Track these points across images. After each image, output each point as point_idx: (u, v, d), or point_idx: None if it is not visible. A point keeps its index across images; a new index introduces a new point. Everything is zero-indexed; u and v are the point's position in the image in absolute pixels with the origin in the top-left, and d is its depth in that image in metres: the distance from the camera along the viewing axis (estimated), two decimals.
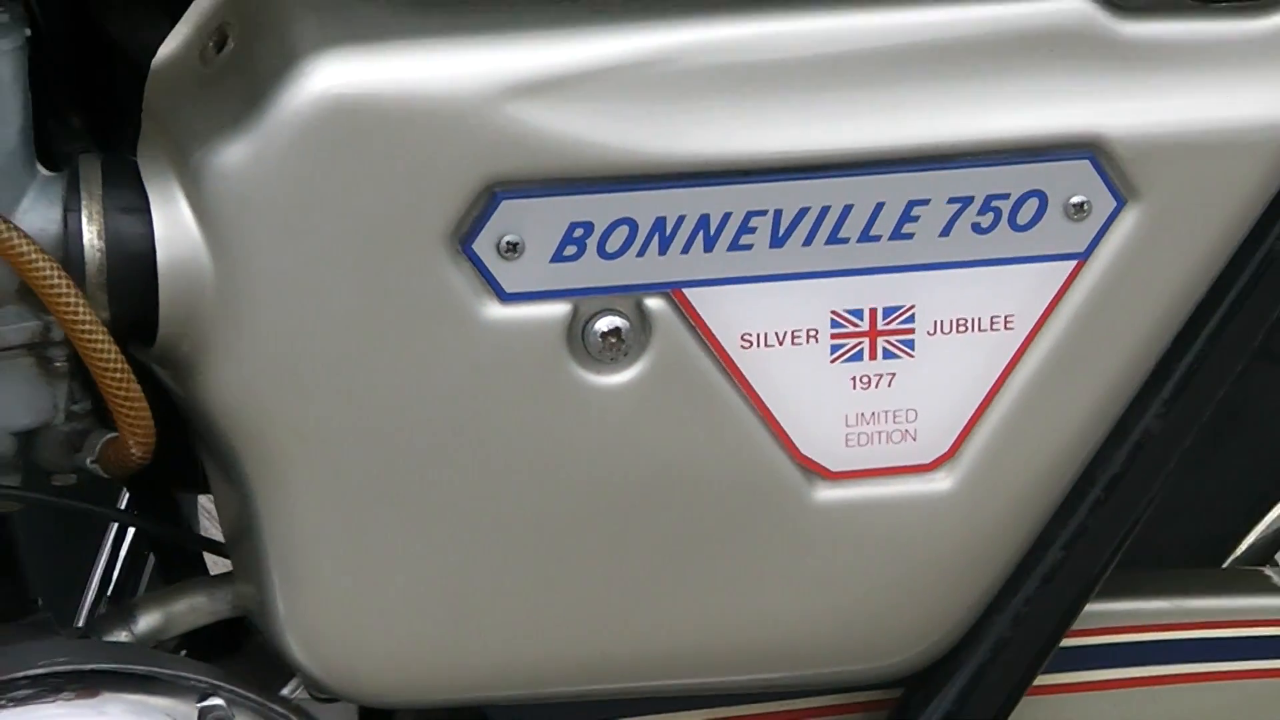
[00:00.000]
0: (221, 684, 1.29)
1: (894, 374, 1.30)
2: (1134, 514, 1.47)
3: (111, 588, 1.83)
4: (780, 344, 1.29)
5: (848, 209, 1.28)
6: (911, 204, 1.30)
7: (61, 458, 1.34)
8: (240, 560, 1.43)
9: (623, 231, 1.25)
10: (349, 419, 1.31)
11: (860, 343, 1.31)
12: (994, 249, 1.30)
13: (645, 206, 1.25)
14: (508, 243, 1.21)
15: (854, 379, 1.31)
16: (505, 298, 1.21)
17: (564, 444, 1.30)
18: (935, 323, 1.31)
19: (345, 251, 1.27)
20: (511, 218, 1.22)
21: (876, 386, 1.32)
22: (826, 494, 1.30)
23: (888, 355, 1.32)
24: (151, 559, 1.79)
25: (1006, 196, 1.30)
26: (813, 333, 1.28)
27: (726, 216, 1.24)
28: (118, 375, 1.24)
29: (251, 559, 1.37)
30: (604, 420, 1.28)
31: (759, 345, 1.28)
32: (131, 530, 1.81)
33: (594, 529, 1.29)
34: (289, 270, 1.25)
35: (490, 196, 1.21)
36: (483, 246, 1.21)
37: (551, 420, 1.29)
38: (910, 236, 1.29)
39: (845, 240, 1.27)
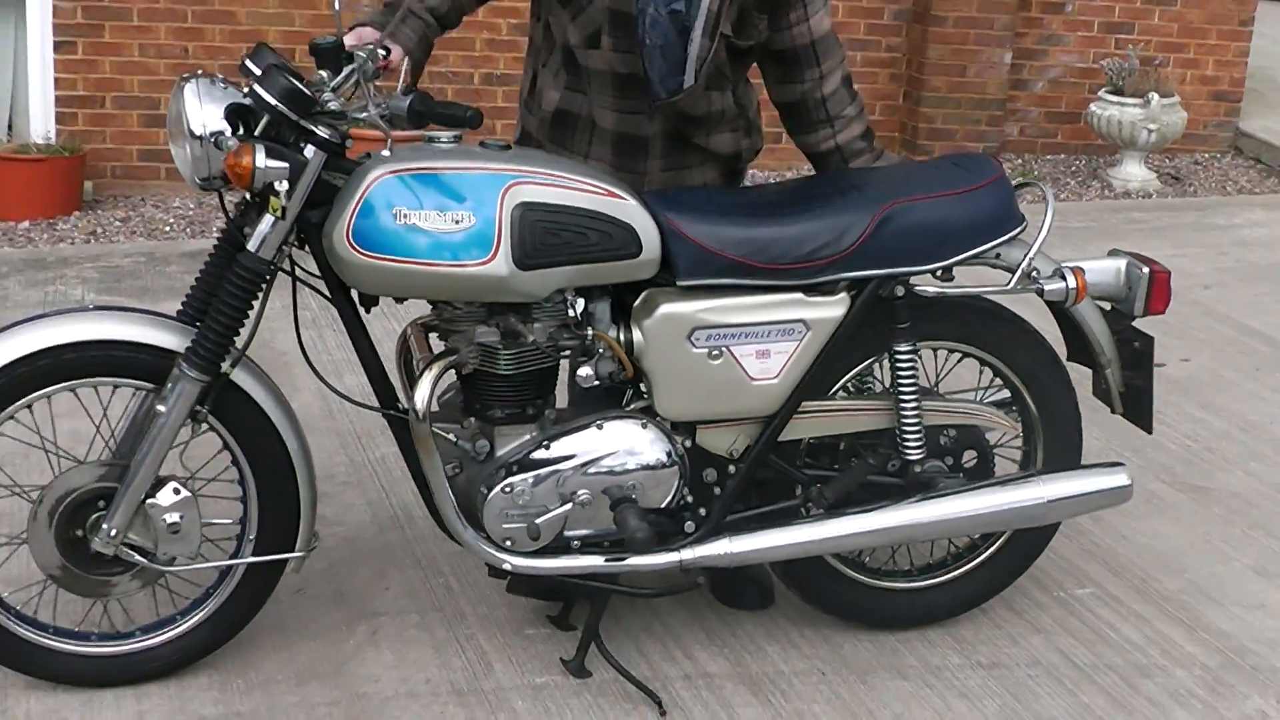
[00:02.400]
0: (641, 414, 4.45)
1: (767, 353, 4.42)
2: (797, 400, 4.52)
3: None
4: (735, 344, 4.40)
5: (759, 328, 4.42)
6: (765, 331, 4.42)
7: (615, 373, 4.40)
8: (649, 391, 4.45)
9: (711, 330, 4.38)
10: (672, 363, 4.41)
11: (756, 349, 4.43)
12: (784, 337, 4.43)
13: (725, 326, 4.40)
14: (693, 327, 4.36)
15: (755, 359, 4.44)
16: (695, 346, 4.37)
17: (684, 355, 4.39)
18: (775, 352, 4.45)
19: (666, 335, 4.36)
20: (699, 332, 4.37)
21: (764, 363, 4.42)
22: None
23: (760, 358, 4.43)
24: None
25: (789, 328, 4.44)
26: (757, 353, 4.42)
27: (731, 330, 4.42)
28: (627, 359, 4.34)
29: (649, 391, 4.44)
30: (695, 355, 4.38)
31: (731, 344, 4.40)
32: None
33: None
34: (657, 337, 4.35)
35: (692, 329, 4.38)
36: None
37: (691, 355, 4.40)
38: (769, 337, 4.40)
39: (755, 337, 4.42)
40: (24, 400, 4.27)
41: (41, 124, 9.92)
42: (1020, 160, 11.29)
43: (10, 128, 10.03)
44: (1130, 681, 4.74)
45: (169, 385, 4.23)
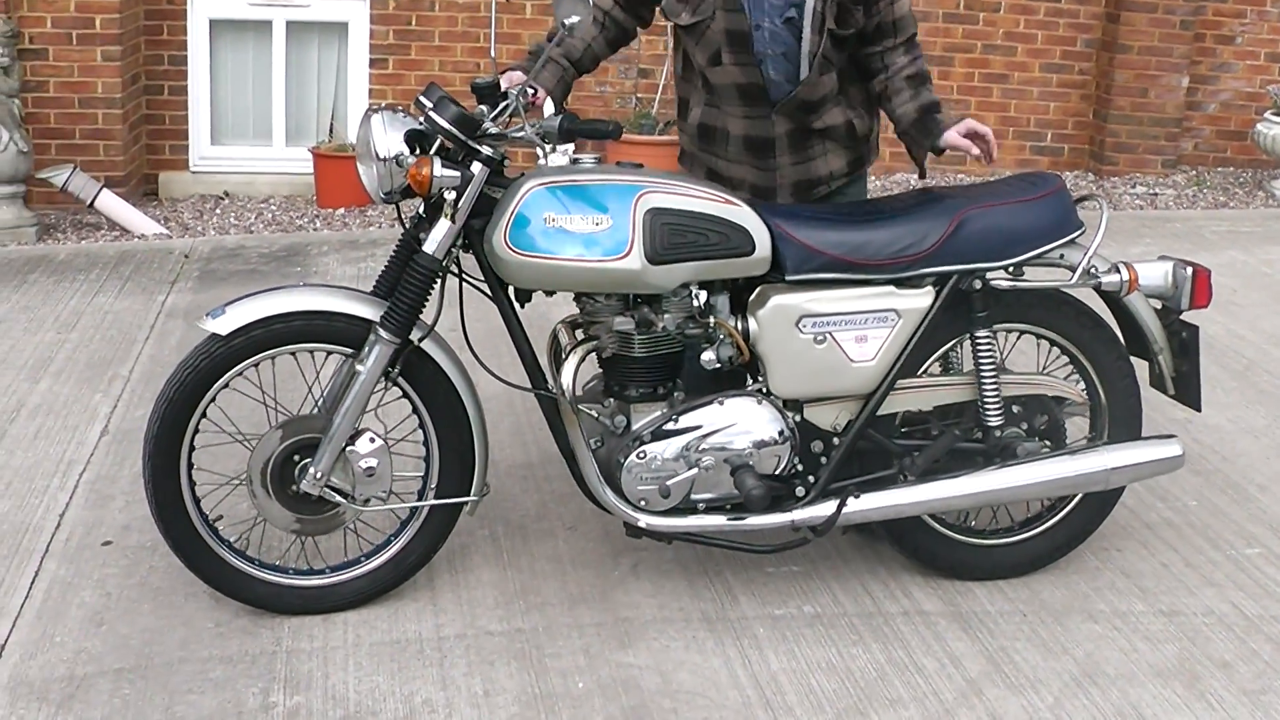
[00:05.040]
0: (757, 394, 4.48)
1: (865, 338, 4.45)
2: (889, 379, 4.52)
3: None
4: (836, 330, 4.42)
5: (857, 316, 4.45)
6: (862, 319, 4.45)
7: (734, 358, 4.44)
8: (764, 373, 4.48)
9: (816, 318, 4.40)
10: (782, 347, 4.43)
11: (855, 335, 4.45)
12: (879, 324, 4.44)
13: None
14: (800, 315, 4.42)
15: (854, 343, 4.45)
16: (802, 332, 4.42)
17: (793, 340, 4.43)
18: (872, 337, 4.46)
19: (777, 323, 4.42)
20: (805, 320, 4.41)
21: (862, 347, 4.45)
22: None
23: (859, 342, 4.46)
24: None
25: (883, 316, 4.45)
26: (856, 338, 4.45)
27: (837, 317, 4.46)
28: (744, 345, 4.40)
29: (763, 373, 4.51)
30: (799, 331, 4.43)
31: (834, 330, 4.42)
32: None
33: None
34: (769, 325, 4.39)
35: (800, 317, 4.42)
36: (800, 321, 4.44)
37: (799, 340, 4.41)
38: (866, 324, 4.45)
39: (854, 324, 4.44)
40: (251, 360, 4.38)
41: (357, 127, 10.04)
42: (1194, 172, 11.08)
43: (331, 131, 10.21)
44: None
45: (366, 349, 4.36)
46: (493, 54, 4.38)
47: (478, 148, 4.25)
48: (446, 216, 4.28)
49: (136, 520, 5.04)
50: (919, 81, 4.80)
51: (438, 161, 4.20)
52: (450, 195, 4.25)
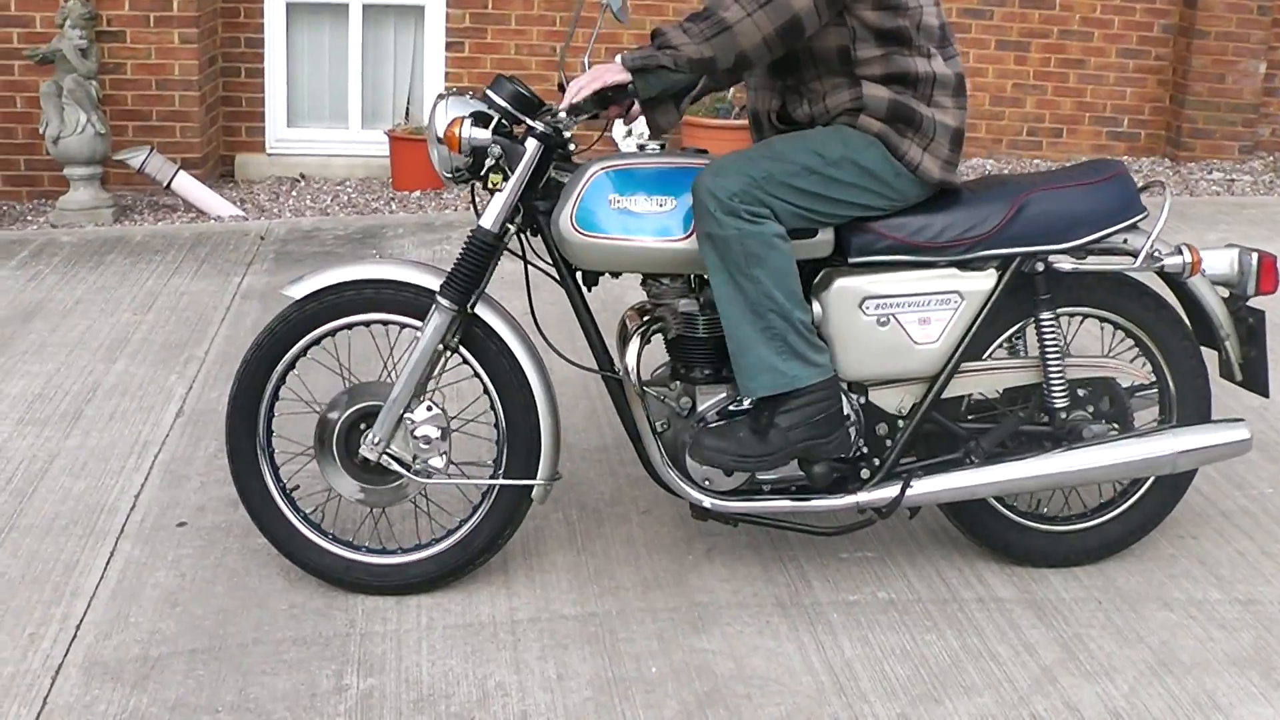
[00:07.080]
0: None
1: (928, 320, 4.43)
2: (953, 362, 4.50)
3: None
4: (899, 312, 4.39)
5: (920, 298, 4.42)
6: (925, 301, 4.42)
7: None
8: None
9: (879, 299, 4.37)
10: (846, 329, 4.39)
11: (918, 317, 4.41)
12: (942, 306, 4.42)
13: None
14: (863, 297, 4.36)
15: (917, 325, 4.41)
16: (865, 314, 4.38)
17: (857, 321, 4.38)
18: (935, 319, 4.42)
19: (841, 305, 4.38)
20: (869, 301, 4.37)
21: (925, 329, 4.41)
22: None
23: (922, 324, 4.43)
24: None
25: (945, 299, 4.43)
26: (919, 320, 4.42)
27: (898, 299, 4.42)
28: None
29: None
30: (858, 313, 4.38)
31: (897, 312, 4.38)
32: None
33: None
34: (833, 307, 4.39)
35: (863, 299, 4.36)
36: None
37: (862, 321, 4.37)
38: (929, 306, 4.42)
39: (917, 306, 4.41)
40: (326, 327, 4.48)
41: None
42: (1271, 158, 10.97)
43: (407, 114, 10.24)
44: None
45: (428, 317, 4.40)
46: (587, 59, 4.39)
47: (533, 124, 4.32)
48: (492, 186, 4.36)
49: (211, 501, 5.07)
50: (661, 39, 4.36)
51: (468, 122, 4.29)
52: (500, 162, 4.34)
